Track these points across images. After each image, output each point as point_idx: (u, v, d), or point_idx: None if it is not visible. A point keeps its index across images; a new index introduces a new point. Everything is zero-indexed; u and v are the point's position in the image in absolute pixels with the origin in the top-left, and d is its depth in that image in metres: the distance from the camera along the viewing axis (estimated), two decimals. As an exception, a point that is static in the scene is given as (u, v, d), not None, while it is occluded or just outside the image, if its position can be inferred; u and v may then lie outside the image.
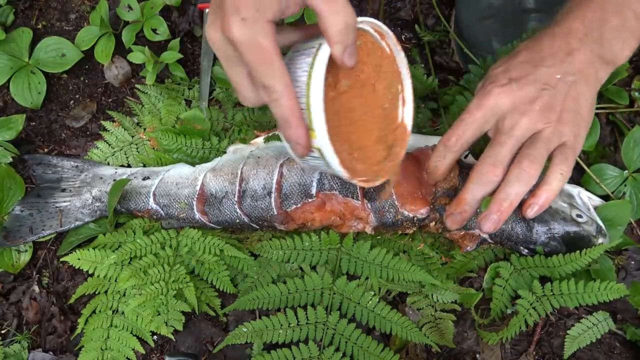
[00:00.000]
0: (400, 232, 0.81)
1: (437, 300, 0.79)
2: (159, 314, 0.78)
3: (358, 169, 0.66)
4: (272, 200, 0.79)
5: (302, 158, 0.63)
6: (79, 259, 0.81)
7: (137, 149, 0.92)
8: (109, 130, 0.93)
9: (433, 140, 0.78)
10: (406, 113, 0.71)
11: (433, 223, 0.78)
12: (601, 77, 0.66)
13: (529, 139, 0.64)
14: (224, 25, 0.53)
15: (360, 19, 0.61)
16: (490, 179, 0.65)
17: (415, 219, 0.77)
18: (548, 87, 0.63)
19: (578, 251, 0.74)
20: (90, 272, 0.82)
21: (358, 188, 0.78)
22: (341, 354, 0.74)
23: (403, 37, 0.99)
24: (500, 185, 0.66)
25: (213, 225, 0.83)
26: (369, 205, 0.78)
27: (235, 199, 0.81)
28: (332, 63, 0.59)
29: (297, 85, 0.59)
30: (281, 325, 0.75)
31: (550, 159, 0.66)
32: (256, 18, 0.52)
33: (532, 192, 0.68)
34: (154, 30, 0.96)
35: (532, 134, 0.64)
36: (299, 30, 0.62)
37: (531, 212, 0.68)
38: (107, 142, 0.93)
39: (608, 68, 0.66)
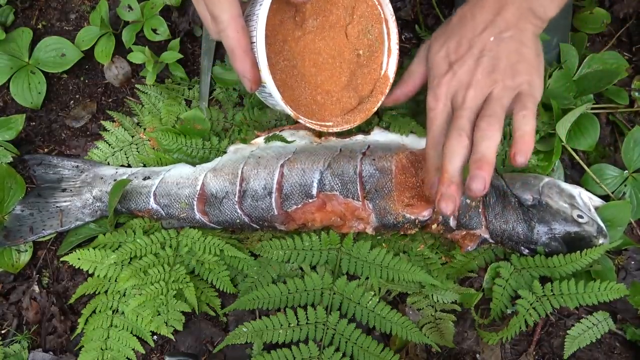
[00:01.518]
0: (401, 233, 0.81)
1: (437, 301, 0.79)
2: (159, 314, 0.78)
3: (322, 114, 0.65)
4: (273, 200, 0.79)
5: (258, 93, 0.63)
6: (79, 259, 0.81)
7: (137, 149, 0.92)
8: (109, 130, 0.93)
9: None
10: (390, 64, 0.70)
11: (435, 225, 0.78)
12: (536, 31, 0.68)
13: (484, 102, 0.67)
14: None
15: None
16: (460, 146, 0.66)
17: (417, 220, 0.77)
18: (484, 51, 0.66)
19: (578, 251, 0.74)
20: (90, 272, 0.82)
21: (358, 188, 0.78)
22: (341, 354, 0.74)
23: (403, 37, 0.98)
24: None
25: (213, 225, 0.83)
26: (370, 205, 0.78)
27: (236, 199, 0.81)
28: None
29: (253, 19, 0.59)
30: (281, 325, 0.75)
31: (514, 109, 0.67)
32: None
33: (510, 145, 0.68)
34: (154, 30, 0.96)
35: (486, 98, 0.66)
36: None
37: (520, 158, 0.66)
38: (107, 142, 0.93)
39: (539, 22, 0.67)
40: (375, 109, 0.69)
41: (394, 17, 0.68)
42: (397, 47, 0.68)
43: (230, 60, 0.60)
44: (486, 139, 0.65)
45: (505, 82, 0.66)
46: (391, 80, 0.69)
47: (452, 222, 0.78)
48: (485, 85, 0.66)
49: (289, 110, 0.61)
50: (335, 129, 0.67)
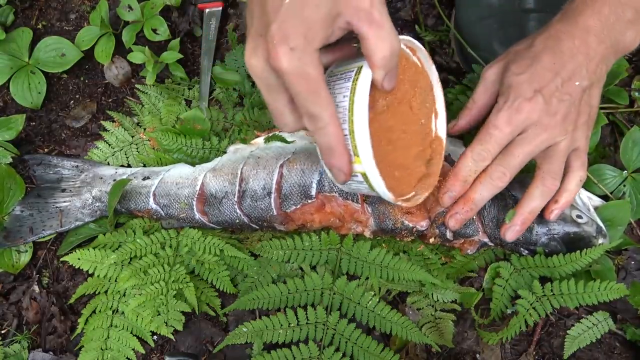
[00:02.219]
0: (398, 239, 0.80)
1: (437, 300, 0.79)
2: (159, 314, 0.78)
3: (401, 189, 0.65)
4: (272, 200, 0.79)
5: (345, 184, 0.63)
6: (79, 259, 0.81)
7: (137, 149, 0.92)
8: (109, 130, 0.93)
9: None
10: (439, 125, 0.71)
11: (432, 238, 0.78)
12: (609, 68, 0.68)
13: (544, 150, 0.66)
14: (270, 55, 0.51)
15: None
16: (498, 185, 0.68)
17: (414, 229, 0.77)
18: (568, 96, 0.65)
19: (578, 251, 0.74)
20: (90, 272, 0.82)
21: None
22: (341, 354, 0.74)
23: (403, 37, 0.99)
24: (523, 197, 0.70)
25: (213, 225, 0.83)
26: (369, 209, 0.78)
27: (235, 199, 0.81)
28: (370, 85, 0.58)
29: (338, 111, 0.58)
30: (281, 325, 0.75)
31: (567, 161, 0.68)
32: (305, 47, 0.51)
33: (554, 197, 0.70)
34: (154, 30, 0.96)
35: (549, 146, 0.66)
36: (331, 52, 0.60)
37: (553, 216, 0.71)
38: (107, 142, 0.93)
39: (617, 57, 0.68)
40: (439, 170, 0.70)
41: (439, 82, 0.70)
42: (444, 109, 0.70)
43: (324, 156, 0.59)
44: (545, 196, 0.68)
45: (574, 135, 0.66)
46: (444, 141, 0.71)
47: (449, 234, 0.78)
48: (558, 135, 0.65)
49: (390, 195, 0.61)
50: (419, 199, 0.68)
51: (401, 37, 0.62)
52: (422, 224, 0.77)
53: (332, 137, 0.56)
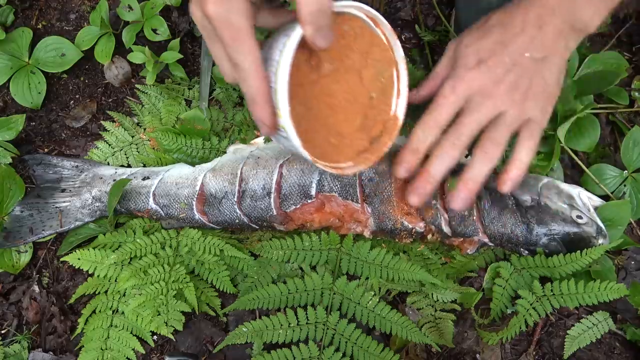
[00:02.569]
0: (397, 240, 0.80)
1: (437, 300, 0.79)
2: (159, 314, 0.78)
3: (334, 156, 0.65)
4: (272, 200, 0.79)
5: (274, 136, 0.63)
6: (79, 259, 0.81)
7: (137, 149, 0.92)
8: (109, 130, 0.93)
9: None
10: (399, 105, 0.70)
11: (430, 235, 0.78)
12: (571, 47, 0.66)
13: (493, 118, 0.66)
14: (202, 2, 0.54)
15: (348, 3, 0.61)
16: (451, 154, 0.67)
17: (413, 230, 0.77)
18: (515, 67, 0.65)
19: (578, 251, 0.74)
20: (90, 272, 0.82)
21: (357, 191, 0.78)
22: (341, 354, 0.74)
23: (403, 37, 0.99)
24: (465, 165, 0.68)
25: (213, 225, 0.83)
26: (368, 209, 0.78)
27: (235, 199, 0.81)
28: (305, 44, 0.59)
29: (272, 64, 0.58)
30: (281, 325, 0.75)
31: (517, 134, 0.67)
32: None
33: (504, 168, 0.69)
34: (154, 30, 0.96)
35: (496, 115, 0.66)
36: (279, 14, 0.63)
37: (505, 187, 0.69)
38: (107, 142, 0.93)
39: (578, 36, 0.66)
40: (387, 149, 0.69)
41: (404, 60, 0.69)
42: (407, 89, 0.69)
43: (248, 106, 0.60)
44: (485, 163, 0.66)
45: (523, 107, 0.65)
46: (400, 121, 0.70)
47: (446, 229, 0.78)
48: (504, 103, 0.65)
49: (307, 155, 0.62)
50: (349, 171, 0.67)
51: (360, 5, 0.62)
52: (421, 225, 0.77)
53: (253, 87, 0.57)
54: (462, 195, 0.69)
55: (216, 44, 0.58)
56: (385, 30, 0.66)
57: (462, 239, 0.78)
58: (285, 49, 0.57)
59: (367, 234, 0.79)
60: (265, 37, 0.65)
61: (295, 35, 0.57)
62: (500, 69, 0.65)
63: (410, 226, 0.77)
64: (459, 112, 0.67)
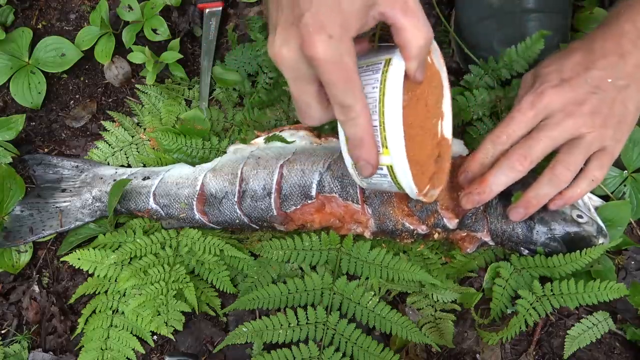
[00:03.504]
0: (398, 241, 0.80)
1: (437, 300, 0.79)
2: (159, 314, 0.78)
3: (417, 185, 0.65)
4: (272, 200, 0.79)
5: (369, 178, 0.62)
6: (79, 259, 0.81)
7: (137, 149, 0.92)
8: (109, 130, 0.93)
9: None
10: (445, 126, 0.71)
11: (436, 234, 0.78)
12: None
13: (569, 141, 0.65)
14: (305, 43, 0.50)
15: None
16: (517, 169, 0.66)
17: (415, 232, 0.77)
18: (598, 90, 0.63)
19: (578, 251, 0.74)
20: (90, 272, 0.82)
21: (358, 192, 0.78)
22: (341, 354, 0.74)
23: (403, 37, 0.99)
24: (532, 183, 0.69)
25: (213, 226, 0.83)
26: (369, 210, 0.78)
27: (235, 199, 0.81)
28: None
29: (368, 102, 0.57)
30: (281, 325, 0.75)
31: (586, 161, 0.66)
32: (341, 36, 0.50)
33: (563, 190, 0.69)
34: (154, 30, 0.96)
35: (573, 137, 0.64)
36: (357, 44, 0.60)
37: (553, 206, 0.70)
38: (107, 142, 0.93)
39: None
40: (448, 169, 0.70)
41: (448, 82, 0.70)
42: (450, 109, 0.71)
43: (351, 147, 0.58)
44: (553, 185, 0.66)
45: (602, 132, 0.64)
46: (450, 142, 0.71)
47: (451, 225, 0.78)
48: (584, 125, 0.64)
49: (415, 189, 0.61)
50: (434, 195, 0.68)
51: None
52: (423, 227, 0.77)
53: (362, 128, 0.55)
54: (521, 211, 0.70)
55: (308, 86, 0.55)
56: (434, 55, 0.66)
57: (465, 233, 0.78)
58: (391, 85, 0.56)
59: (367, 234, 0.79)
60: None
61: (399, 70, 0.56)
62: (584, 89, 0.64)
63: (411, 227, 0.77)
64: (534, 128, 0.65)
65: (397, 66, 0.57)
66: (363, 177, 0.61)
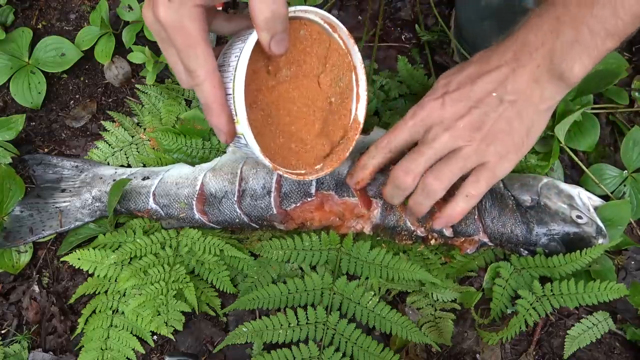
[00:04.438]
0: (396, 240, 0.80)
1: (437, 300, 0.79)
2: (159, 314, 0.78)
3: (295, 162, 0.65)
4: (272, 199, 0.79)
5: (232, 144, 0.63)
6: (79, 259, 0.81)
7: (137, 149, 0.92)
8: (109, 130, 0.93)
9: None
10: (359, 109, 0.71)
11: (433, 240, 0.78)
12: (548, 96, 0.61)
13: (448, 153, 0.64)
14: (154, 7, 0.53)
15: (304, 7, 0.60)
16: (402, 184, 0.66)
17: (414, 234, 0.77)
18: (480, 104, 0.62)
19: (578, 251, 0.74)
20: (90, 272, 0.82)
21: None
22: (341, 354, 0.74)
23: (403, 37, 0.99)
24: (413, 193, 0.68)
25: (213, 225, 0.83)
26: (379, 202, 0.78)
27: (235, 198, 0.81)
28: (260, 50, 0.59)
29: (228, 70, 0.58)
30: (281, 325, 0.75)
31: (465, 177, 0.65)
32: (183, 1, 0.52)
33: (441, 207, 0.68)
34: (154, 30, 0.95)
35: (452, 150, 0.63)
36: (235, 20, 0.62)
37: (436, 225, 0.70)
38: (107, 142, 0.93)
39: (559, 85, 0.61)
40: (348, 154, 0.70)
41: (363, 65, 0.69)
42: (366, 93, 0.70)
43: (204, 113, 0.59)
44: (424, 194, 0.66)
45: (480, 147, 0.62)
46: (361, 125, 0.70)
47: (447, 232, 0.78)
48: (461, 138, 0.62)
49: (267, 162, 0.61)
50: (310, 177, 0.68)
51: (316, 9, 0.62)
52: (422, 230, 0.77)
53: (208, 94, 0.56)
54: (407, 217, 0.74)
55: (169, 49, 0.57)
56: (342, 35, 0.66)
57: (462, 239, 0.78)
58: (242, 55, 0.57)
59: (367, 230, 0.79)
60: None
61: (250, 41, 0.57)
62: (465, 103, 0.62)
63: (412, 228, 0.77)
64: (420, 140, 0.66)
65: (252, 36, 0.57)
66: (222, 142, 0.62)
